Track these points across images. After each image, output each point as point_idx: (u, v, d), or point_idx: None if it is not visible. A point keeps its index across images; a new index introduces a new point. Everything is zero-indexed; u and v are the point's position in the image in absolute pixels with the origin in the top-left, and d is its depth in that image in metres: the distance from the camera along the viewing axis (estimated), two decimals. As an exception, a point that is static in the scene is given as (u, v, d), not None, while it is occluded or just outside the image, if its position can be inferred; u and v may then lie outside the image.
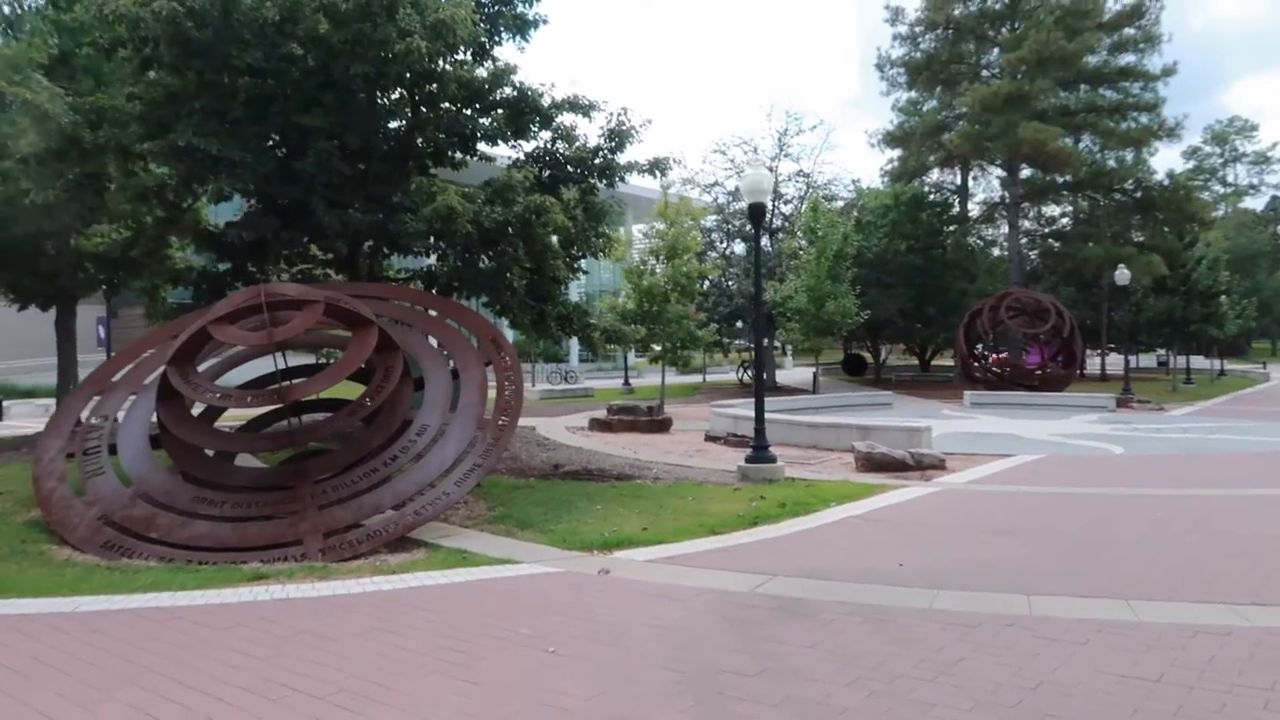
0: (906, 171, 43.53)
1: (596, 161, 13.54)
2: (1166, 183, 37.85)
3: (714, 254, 38.30)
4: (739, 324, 35.04)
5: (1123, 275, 29.97)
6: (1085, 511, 9.78)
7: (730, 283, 35.59)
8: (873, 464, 13.21)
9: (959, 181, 44.57)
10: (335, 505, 8.56)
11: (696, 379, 50.60)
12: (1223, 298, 46.49)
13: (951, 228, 41.34)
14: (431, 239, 11.61)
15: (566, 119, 14.02)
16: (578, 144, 13.68)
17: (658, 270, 23.55)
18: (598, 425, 19.08)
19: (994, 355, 34.03)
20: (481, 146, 13.91)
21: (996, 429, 19.94)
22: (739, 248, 39.45)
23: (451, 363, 10.21)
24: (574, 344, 63.29)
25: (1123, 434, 18.74)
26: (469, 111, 13.43)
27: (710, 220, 38.00)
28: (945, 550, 7.90)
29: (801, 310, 28.45)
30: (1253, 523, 9.03)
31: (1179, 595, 6.35)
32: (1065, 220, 44.94)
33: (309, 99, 11.97)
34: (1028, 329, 31.48)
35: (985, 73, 37.80)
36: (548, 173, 13.53)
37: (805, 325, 28.60)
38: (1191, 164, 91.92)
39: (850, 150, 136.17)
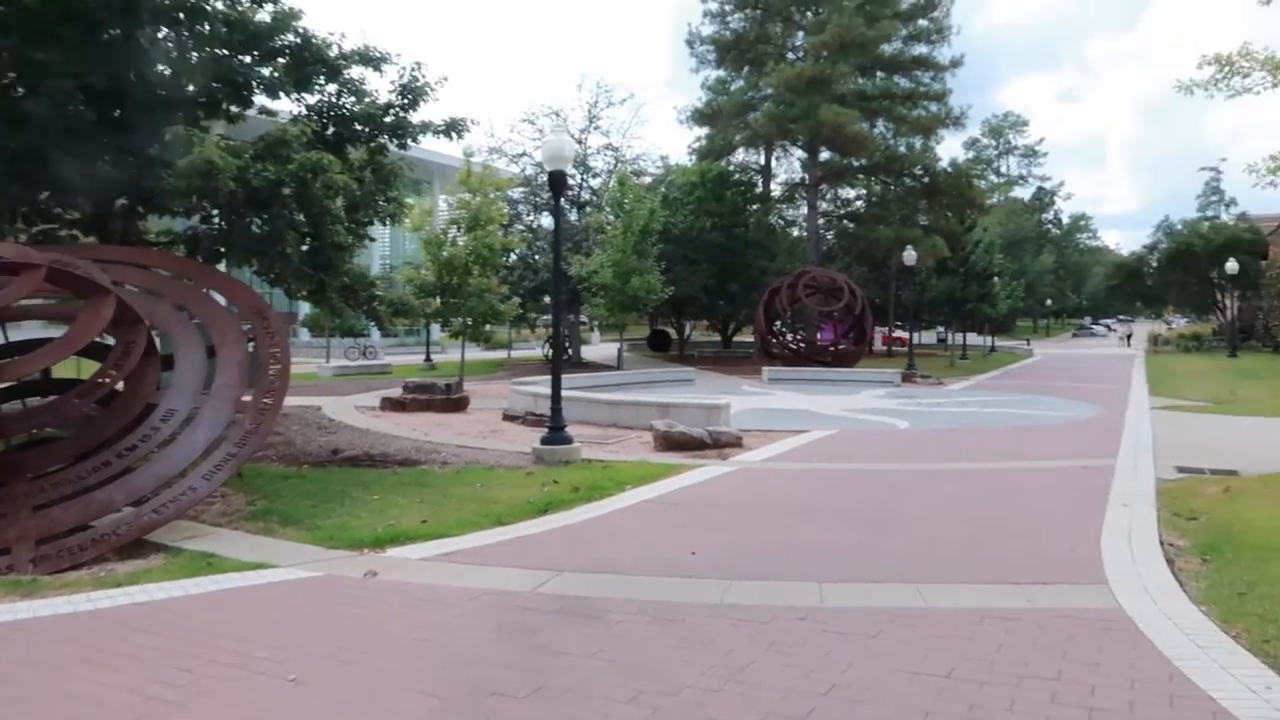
0: (714, 150, 44.16)
1: (387, 119, 12.48)
2: (950, 170, 40.31)
3: (520, 226, 37.40)
4: (545, 299, 34.37)
5: (910, 256, 31.61)
6: (875, 489, 9.90)
7: (537, 256, 34.84)
8: (671, 443, 13.00)
9: (763, 162, 45.71)
10: (55, 505, 7.31)
11: (501, 355, 49.66)
12: (995, 279, 50.28)
13: (754, 207, 42.33)
14: (194, 198, 10.20)
15: (356, 72, 12.87)
16: (367, 99, 12.56)
17: (459, 241, 22.51)
18: (390, 405, 18.01)
19: (790, 334, 35.15)
20: (262, 100, 12.55)
21: (792, 405, 20.40)
22: (546, 221, 38.71)
23: (209, 339, 9.04)
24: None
25: (907, 409, 19.60)
26: (246, 59, 12.04)
27: (518, 192, 37.06)
28: (739, 535, 7.67)
29: (607, 285, 28.16)
30: (1033, 499, 9.38)
31: (966, 577, 6.34)
32: (860, 203, 47.07)
33: (45, 31, 10.26)
34: (823, 307, 32.64)
35: (791, 55, 38.75)
36: (332, 129, 12.36)
37: (610, 301, 28.35)
38: (971, 154, 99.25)
39: (661, 127, 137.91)
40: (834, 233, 47.29)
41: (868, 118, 37.20)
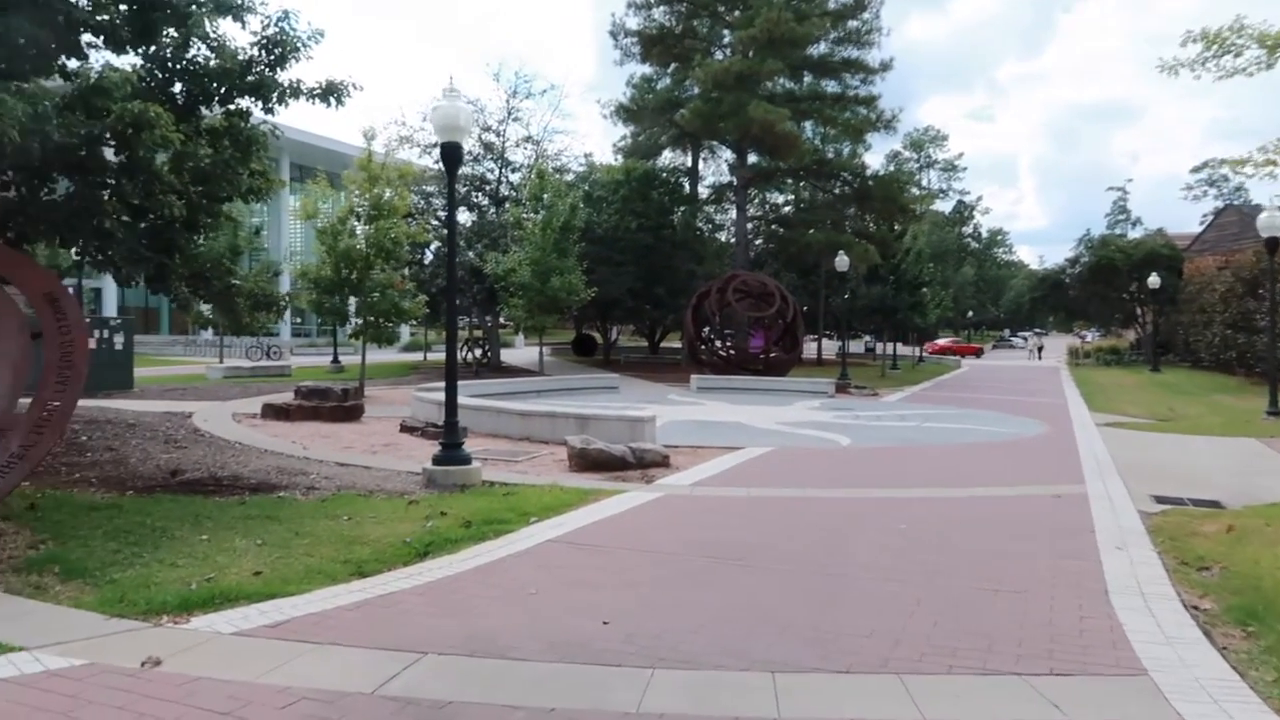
0: (640, 149, 42.65)
1: (249, 79, 10.49)
2: (880, 175, 39.41)
3: (435, 221, 35.32)
4: (460, 299, 32.33)
5: (842, 261, 30.51)
6: (821, 523, 8.36)
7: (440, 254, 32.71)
8: (588, 462, 11.31)
9: (690, 163, 44.35)
10: None
11: (417, 357, 47.35)
12: (924, 289, 49.82)
13: (682, 208, 40.93)
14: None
15: (212, 25, 10.84)
16: (223, 51, 10.53)
17: (358, 232, 20.44)
18: (272, 413, 15.92)
19: (719, 341, 33.79)
20: (107, 56, 10.47)
21: (723, 416, 18.90)
22: (463, 217, 36.70)
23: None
24: (286, 316, 57.56)
25: (845, 422, 18.26)
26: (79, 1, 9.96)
27: (432, 185, 35.00)
28: (664, 591, 6.03)
29: (525, 285, 26.31)
30: (1009, 538, 7.93)
31: (960, 662, 4.79)
32: (789, 208, 46.06)
33: None
34: (754, 312, 31.36)
35: (718, 52, 37.37)
36: (180, 86, 10.32)
37: (529, 301, 26.50)
38: (893, 166, 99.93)
39: (586, 124, 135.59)
40: (763, 238, 46.23)
41: (797, 119, 36.01)
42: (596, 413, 14.05)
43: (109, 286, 52.87)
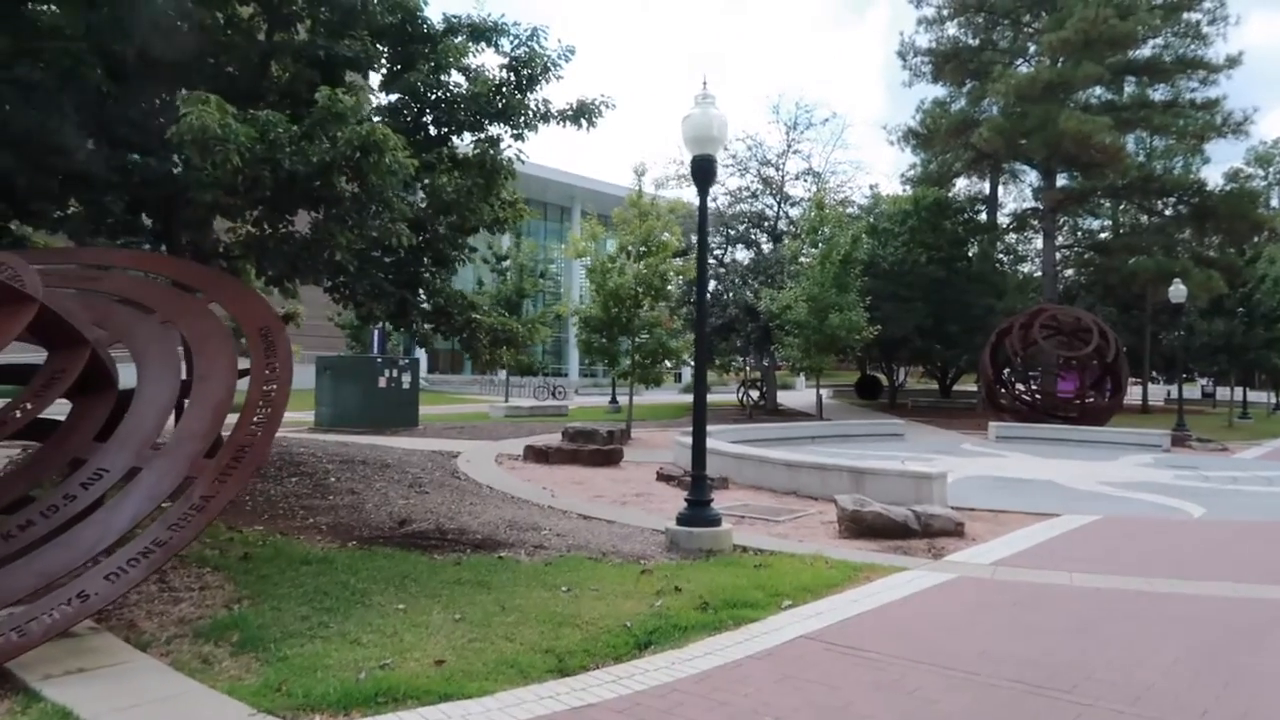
0: (929, 178, 39.66)
1: (498, 102, 9.89)
2: (1226, 189, 33.46)
3: (713, 260, 34.62)
4: (734, 338, 31.21)
5: (1178, 291, 25.90)
6: (1191, 636, 6.01)
7: (729, 293, 31.70)
8: (862, 527, 9.47)
9: (988, 189, 40.64)
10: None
11: (692, 399, 46.74)
12: (1286, 322, 41.87)
13: (978, 238, 37.40)
14: (220, 193, 7.83)
15: (474, 51, 10.42)
16: (476, 78, 10.03)
17: (627, 270, 19.85)
18: (533, 455, 15.43)
19: (1021, 384, 30.03)
20: (355, 78, 10.35)
21: (1029, 472, 16.09)
22: (740, 254, 35.74)
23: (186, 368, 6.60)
24: (573, 355, 59.46)
25: (1192, 485, 14.83)
26: (345, 41, 9.87)
27: (711, 226, 34.42)
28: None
29: (801, 323, 24.60)
30: None
31: None
32: (1105, 234, 40.80)
33: None
34: (1065, 351, 27.52)
35: (1021, 64, 33.75)
36: (431, 116, 9.92)
37: (805, 340, 24.74)
38: (1234, 185, 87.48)
39: (869, 154, 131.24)
40: (1074, 268, 41.32)
41: (1118, 129, 31.40)
42: (874, 466, 12.10)
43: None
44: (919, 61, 35.06)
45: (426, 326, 10.80)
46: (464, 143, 10.21)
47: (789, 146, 34.51)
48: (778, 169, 34.50)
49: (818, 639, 5.84)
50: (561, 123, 10.28)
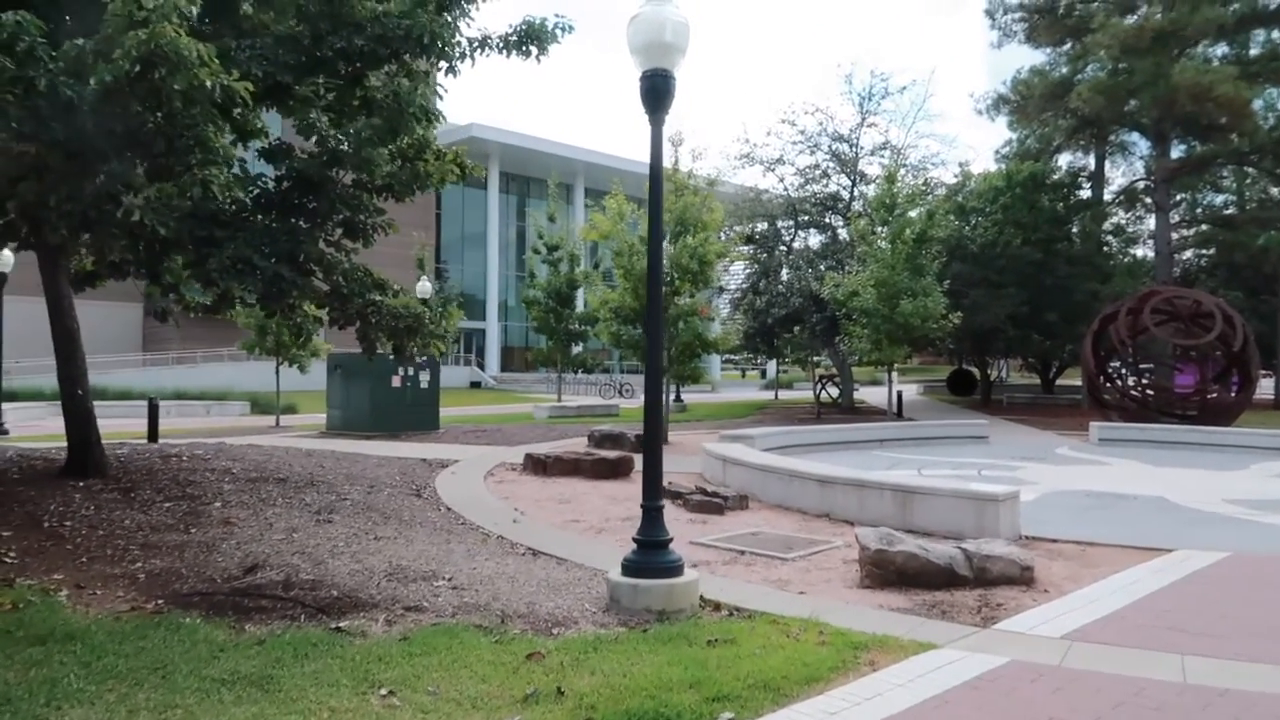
0: (1025, 154, 36.02)
1: (409, 26, 7.72)
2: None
3: (782, 247, 32.00)
4: (796, 330, 28.49)
5: (1318, 269, 22.22)
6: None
7: (796, 280, 28.94)
8: (890, 572, 7.00)
9: (1091, 162, 36.74)
10: None
11: (769, 396, 44.27)
12: None
13: (1080, 216, 33.67)
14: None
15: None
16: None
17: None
18: (531, 465, 13.34)
19: (1131, 377, 26.52)
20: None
21: (1134, 486, 13.18)
22: (813, 241, 32.97)
23: None
24: (615, 352, 58.08)
25: (1348, 502, 11.74)
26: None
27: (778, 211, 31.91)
28: None
29: (869, 310, 21.82)
30: None
31: None
32: (1231, 209, 36.42)
33: None
34: (1182, 339, 23.98)
35: (1126, 17, 29.99)
36: (338, 45, 7.81)
37: (874, 329, 21.94)
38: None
39: (961, 133, 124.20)
40: (1192, 249, 37.08)
41: (1246, 84, 27.40)
42: (922, 485, 9.52)
43: (492, 328, 56.33)
44: (1010, 20, 31.60)
45: (316, 311, 8.81)
46: (374, 79, 8.15)
47: (863, 120, 31.57)
48: (851, 145, 31.59)
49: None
50: (504, 51, 8.11)
